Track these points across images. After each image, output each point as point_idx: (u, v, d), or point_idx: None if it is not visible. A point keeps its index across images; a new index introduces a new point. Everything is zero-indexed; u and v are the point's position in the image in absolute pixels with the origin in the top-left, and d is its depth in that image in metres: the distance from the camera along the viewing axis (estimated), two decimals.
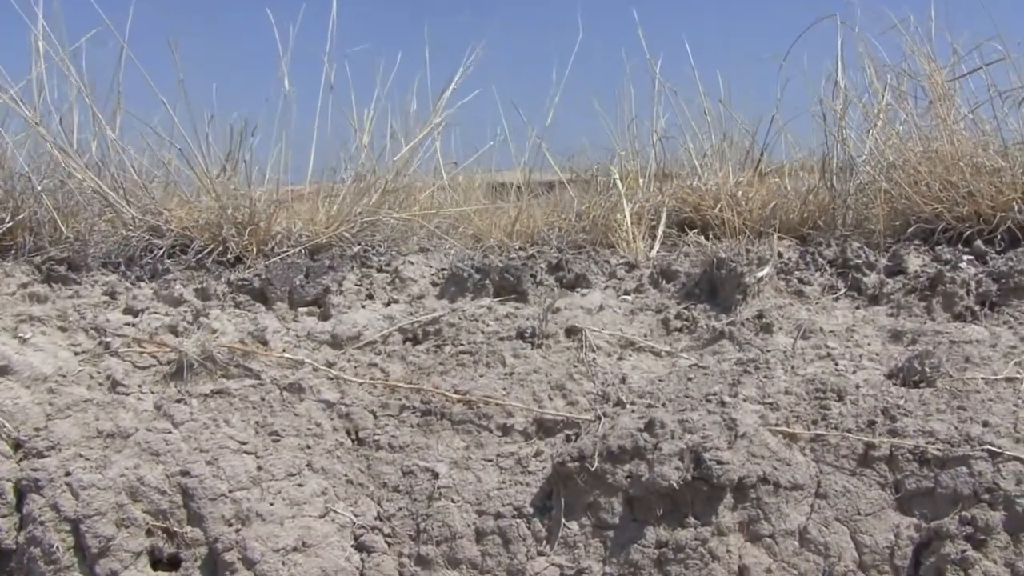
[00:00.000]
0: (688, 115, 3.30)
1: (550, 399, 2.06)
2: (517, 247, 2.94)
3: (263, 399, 2.08)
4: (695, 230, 3.02)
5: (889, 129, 2.84)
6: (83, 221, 2.89)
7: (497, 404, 2.04)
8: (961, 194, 2.54)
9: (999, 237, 2.49)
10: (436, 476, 1.95)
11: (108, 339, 2.17)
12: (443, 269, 2.66)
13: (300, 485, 1.93)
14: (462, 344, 2.26)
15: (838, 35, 3.41)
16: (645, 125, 3.42)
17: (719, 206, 3.00)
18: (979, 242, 2.47)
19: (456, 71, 3.20)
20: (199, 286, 2.53)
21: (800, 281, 2.44)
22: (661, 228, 2.91)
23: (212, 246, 2.70)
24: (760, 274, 2.30)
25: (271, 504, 1.89)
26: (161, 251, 2.68)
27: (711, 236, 2.98)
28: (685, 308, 2.32)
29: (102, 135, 2.80)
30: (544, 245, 2.95)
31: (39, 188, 2.86)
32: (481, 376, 2.14)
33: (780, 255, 2.59)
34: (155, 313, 2.36)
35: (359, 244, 2.82)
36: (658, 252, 2.79)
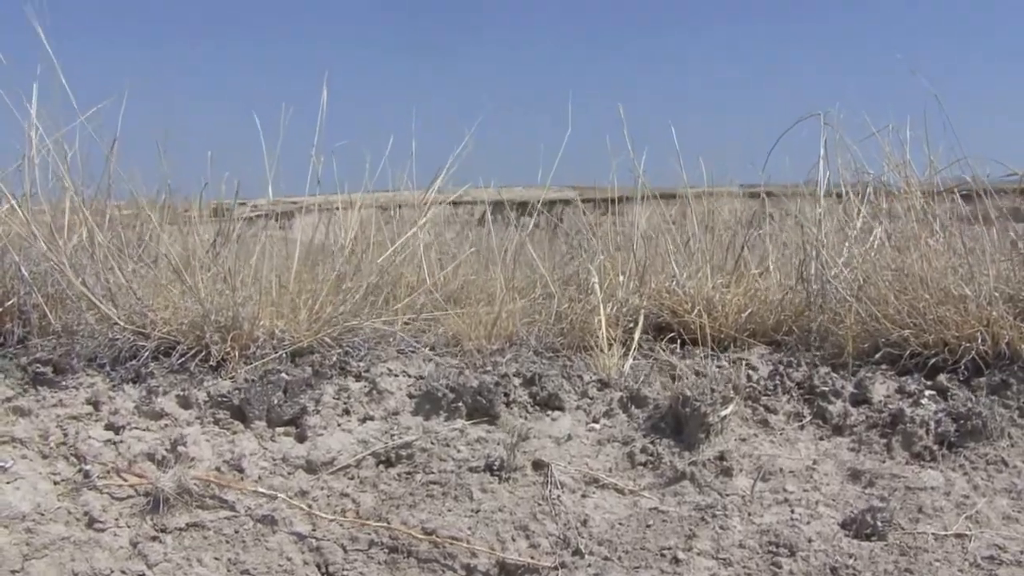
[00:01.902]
0: (668, 215, 3.38)
1: (513, 540, 2.14)
2: (496, 348, 3.02)
3: (236, 532, 2.16)
4: (671, 334, 3.11)
5: (862, 246, 2.92)
6: (72, 310, 2.98)
7: (463, 544, 2.12)
8: (927, 320, 2.62)
9: (963, 367, 2.57)
10: None
11: (88, 466, 2.25)
12: (421, 377, 2.75)
13: None
14: (433, 472, 2.35)
15: (821, 136, 3.51)
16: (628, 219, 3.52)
17: (696, 311, 3.08)
18: (942, 376, 2.55)
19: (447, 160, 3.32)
20: (181, 393, 2.61)
21: (767, 409, 2.52)
22: (637, 335, 2.98)
23: (196, 349, 2.78)
24: (724, 413, 2.38)
25: None
26: (146, 354, 2.76)
27: (687, 343, 3.07)
28: (651, 442, 2.40)
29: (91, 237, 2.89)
30: (522, 346, 3.03)
31: (28, 277, 2.96)
32: (449, 511, 2.22)
33: (749, 377, 2.67)
34: (136, 429, 2.44)
35: (340, 347, 2.90)
36: (632, 365, 2.86)
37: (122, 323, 2.75)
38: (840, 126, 3.34)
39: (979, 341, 2.56)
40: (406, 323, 3.28)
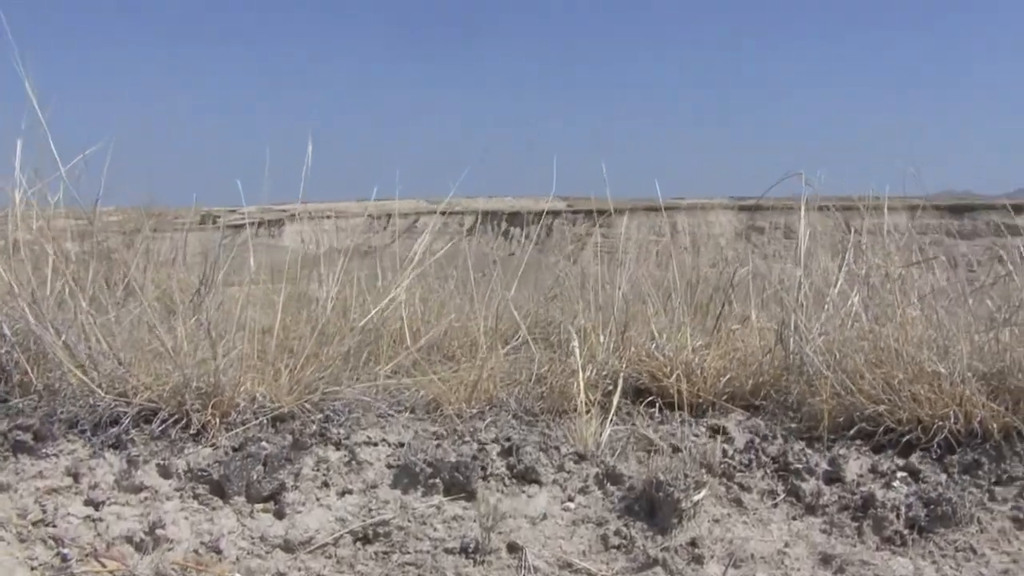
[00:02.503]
0: (648, 279, 3.42)
1: None
2: (475, 412, 3.05)
3: None
4: (651, 397, 3.15)
5: (839, 314, 2.97)
6: (54, 368, 3.01)
7: None
8: (901, 397, 2.67)
9: (936, 445, 2.61)
10: None
11: (66, 550, 2.27)
12: (400, 445, 2.78)
13: None
14: (409, 552, 2.38)
15: (803, 197, 3.57)
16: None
17: (675, 375, 3.12)
18: (916, 455, 2.59)
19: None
20: (161, 463, 2.63)
21: (741, 487, 2.56)
22: (615, 402, 3.01)
23: (177, 416, 2.80)
24: (696, 498, 2.41)
25: None
26: (127, 420, 2.78)
27: (665, 407, 3.11)
28: (625, 524, 2.44)
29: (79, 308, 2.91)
30: (502, 410, 3.07)
31: (9, 334, 2.98)
32: None
33: (724, 452, 2.71)
34: (115, 504, 2.47)
35: (321, 412, 2.93)
36: (611, 432, 2.89)
37: (102, 392, 2.78)
38: (822, 185, 3.42)
39: (952, 420, 2.60)
40: (388, 377, 3.32)
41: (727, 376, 3.12)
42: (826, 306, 3.07)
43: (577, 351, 3.13)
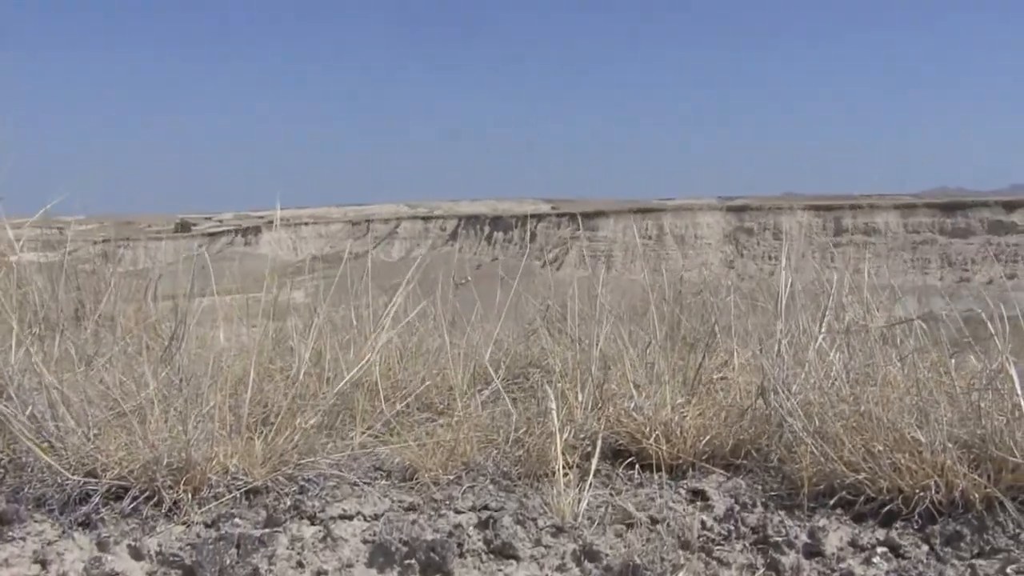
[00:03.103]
0: (625, 335, 3.46)
1: None
2: (452, 478, 3.07)
3: None
4: (630, 458, 3.18)
5: (818, 378, 3.01)
6: (20, 441, 3.01)
7: None
8: (882, 466, 2.70)
9: (917, 515, 2.65)
10: None
11: None
12: (376, 517, 2.80)
13: None
14: None
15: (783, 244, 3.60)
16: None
17: (654, 436, 3.16)
18: (896, 527, 2.62)
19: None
20: (132, 543, 2.64)
21: (720, 562, 2.58)
22: (593, 466, 3.04)
23: (148, 493, 2.82)
24: None
25: None
26: (97, 498, 2.80)
27: (645, 468, 3.14)
28: None
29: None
30: (479, 475, 3.09)
31: None
32: None
33: (703, 524, 2.74)
34: None
35: (295, 483, 2.95)
36: (591, 499, 2.92)
37: (69, 473, 2.79)
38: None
39: (933, 490, 2.63)
40: (364, 437, 3.35)
41: (707, 436, 3.15)
42: (806, 364, 3.10)
43: (555, 414, 3.15)
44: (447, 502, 2.91)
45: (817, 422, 2.81)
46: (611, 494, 3.01)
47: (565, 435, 3.11)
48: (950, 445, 2.61)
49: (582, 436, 3.18)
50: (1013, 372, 2.61)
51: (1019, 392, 2.58)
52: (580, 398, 3.35)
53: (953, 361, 2.90)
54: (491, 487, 3.02)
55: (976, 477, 2.57)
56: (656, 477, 3.08)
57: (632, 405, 3.24)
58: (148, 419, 3.04)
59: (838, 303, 3.11)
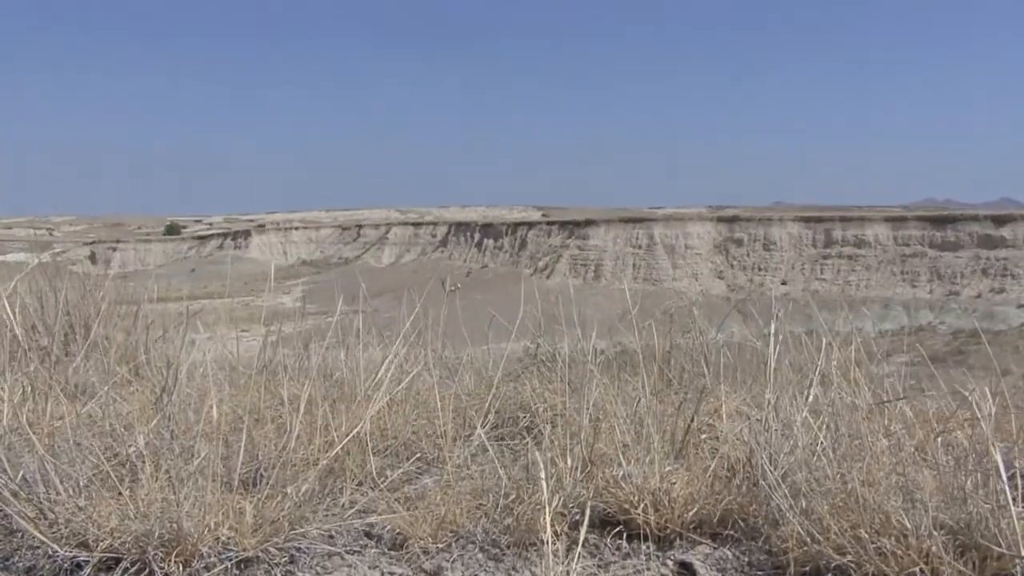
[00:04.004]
0: (616, 399, 3.50)
1: None
2: (442, 547, 3.10)
3: None
4: (619, 527, 3.22)
5: (804, 453, 3.04)
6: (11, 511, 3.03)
7: None
8: (868, 551, 2.73)
9: None
10: None
11: None
12: None
13: None
14: None
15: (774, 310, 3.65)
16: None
17: (642, 506, 3.19)
18: None
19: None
20: None
21: None
22: (582, 536, 3.07)
23: (139, 564, 2.84)
24: None
25: None
26: (88, 569, 2.81)
27: (634, 538, 3.17)
28: None
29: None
30: (468, 543, 3.13)
31: None
32: None
33: None
34: None
35: (287, 553, 2.98)
36: (579, 573, 2.95)
37: (60, 545, 2.81)
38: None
39: None
40: (355, 498, 3.38)
41: (695, 507, 3.19)
42: (792, 439, 3.14)
43: (544, 484, 3.18)
44: (437, 574, 2.94)
45: (804, 502, 2.85)
46: (598, 566, 3.05)
47: (554, 503, 3.14)
48: (936, 532, 2.64)
49: (571, 505, 3.21)
50: (998, 458, 2.64)
51: (1003, 480, 2.62)
52: (569, 462, 3.38)
53: (939, 440, 2.93)
54: (480, 556, 3.06)
55: (961, 567, 2.60)
56: (644, 548, 3.11)
57: (621, 474, 3.27)
58: (140, 477, 3.07)
59: (826, 374, 3.14)
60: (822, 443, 3.06)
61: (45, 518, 2.88)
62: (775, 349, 3.53)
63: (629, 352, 4.85)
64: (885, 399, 3.11)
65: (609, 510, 3.26)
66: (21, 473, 3.05)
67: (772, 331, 3.29)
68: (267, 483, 3.20)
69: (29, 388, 4.33)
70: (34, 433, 3.25)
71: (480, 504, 3.33)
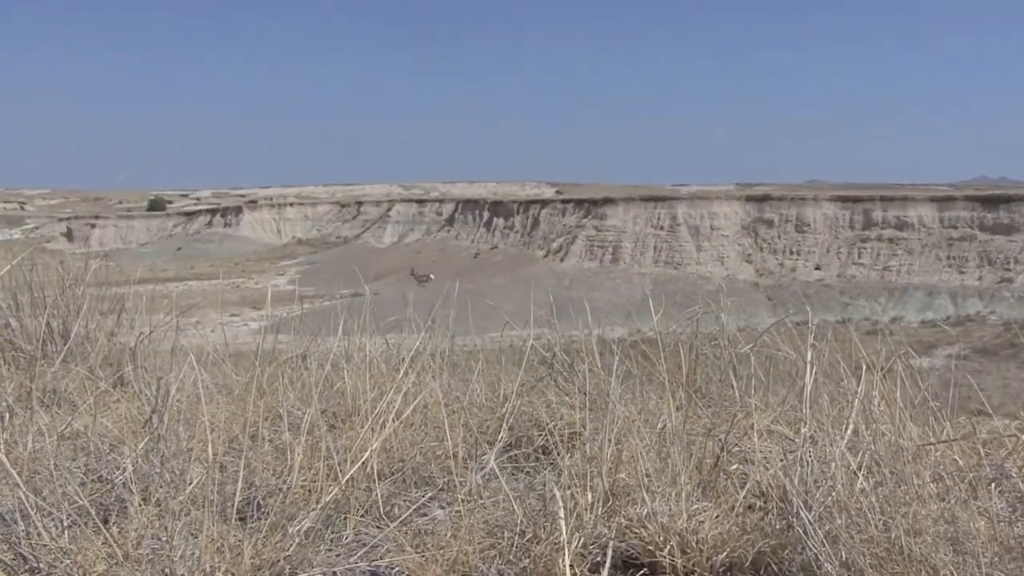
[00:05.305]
0: (638, 417, 3.51)
1: None
2: None
3: None
4: (642, 571, 3.22)
5: (843, 500, 3.04)
6: None
7: None
8: None
9: None
10: None
11: None
12: None
13: None
14: None
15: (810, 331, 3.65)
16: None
17: (668, 548, 3.20)
18: None
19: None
20: None
21: None
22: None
23: None
24: None
25: None
26: None
27: None
28: None
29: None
30: None
31: None
32: None
33: None
34: None
35: None
36: None
37: None
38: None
39: None
40: (358, 528, 3.40)
41: (726, 549, 3.19)
42: (829, 476, 3.13)
43: (563, 524, 3.19)
44: None
45: (843, 553, 2.85)
46: None
47: (574, 544, 3.15)
48: None
49: (591, 545, 3.21)
50: None
51: None
52: (589, 498, 3.39)
53: (993, 486, 2.93)
54: None
55: None
56: None
57: (645, 512, 3.28)
58: (128, 507, 3.10)
59: (867, 416, 3.14)
60: (861, 484, 3.05)
61: (26, 562, 2.90)
62: (811, 372, 3.53)
63: (648, 340, 4.85)
64: (932, 439, 3.09)
65: (632, 551, 3.26)
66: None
67: (808, 355, 3.28)
68: (265, 515, 3.21)
69: (4, 404, 4.34)
70: (12, 463, 3.27)
71: (495, 543, 3.34)
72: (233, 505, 3.22)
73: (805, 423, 3.30)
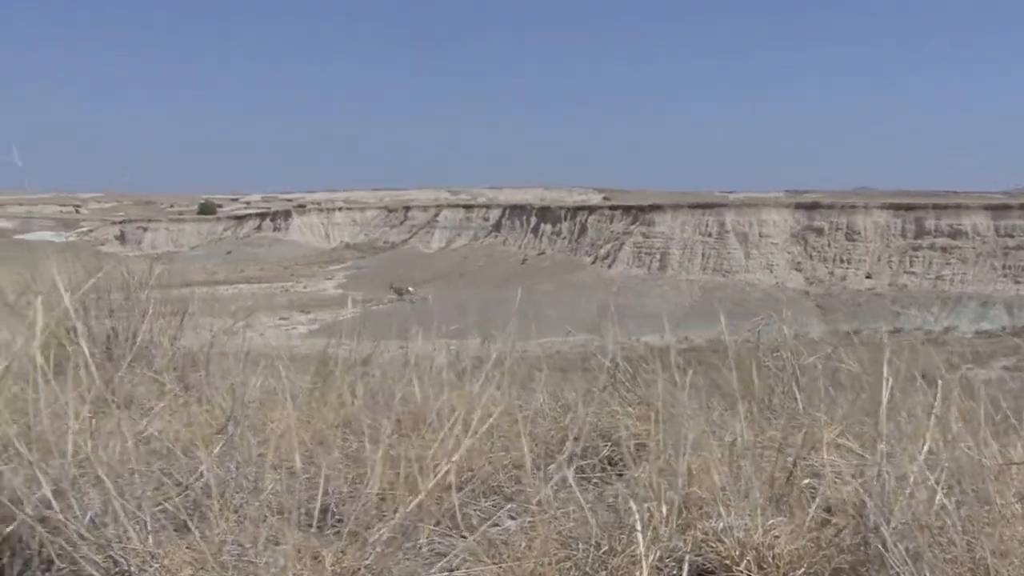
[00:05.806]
0: (708, 431, 3.52)
1: None
2: None
3: None
4: None
5: (923, 518, 3.02)
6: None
7: None
8: None
9: None
10: None
11: None
12: None
13: None
14: None
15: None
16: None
17: (744, 562, 3.20)
18: None
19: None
20: None
21: None
22: None
23: None
24: None
25: None
26: None
27: None
28: None
29: None
30: None
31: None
32: None
33: None
34: None
35: None
36: None
37: None
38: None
39: None
40: (431, 537, 3.43)
41: (803, 566, 3.19)
42: (907, 493, 3.12)
43: (640, 536, 3.21)
44: None
45: (927, 572, 2.83)
46: None
47: (650, 557, 3.17)
48: None
49: (667, 558, 3.23)
50: None
51: None
52: (664, 511, 3.40)
53: None
54: None
55: None
56: None
57: (721, 526, 3.28)
58: (208, 514, 3.16)
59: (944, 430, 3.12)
60: (942, 501, 3.04)
61: (116, 565, 2.97)
62: (887, 386, 3.51)
63: (697, 348, 4.85)
64: (1016, 458, 3.07)
65: (708, 565, 3.27)
66: (89, 515, 3.13)
67: (885, 370, 3.26)
68: (343, 523, 3.26)
69: (87, 409, 4.43)
70: (98, 465, 3.33)
71: (570, 555, 3.36)
72: (314, 512, 3.27)
73: (882, 439, 3.29)
